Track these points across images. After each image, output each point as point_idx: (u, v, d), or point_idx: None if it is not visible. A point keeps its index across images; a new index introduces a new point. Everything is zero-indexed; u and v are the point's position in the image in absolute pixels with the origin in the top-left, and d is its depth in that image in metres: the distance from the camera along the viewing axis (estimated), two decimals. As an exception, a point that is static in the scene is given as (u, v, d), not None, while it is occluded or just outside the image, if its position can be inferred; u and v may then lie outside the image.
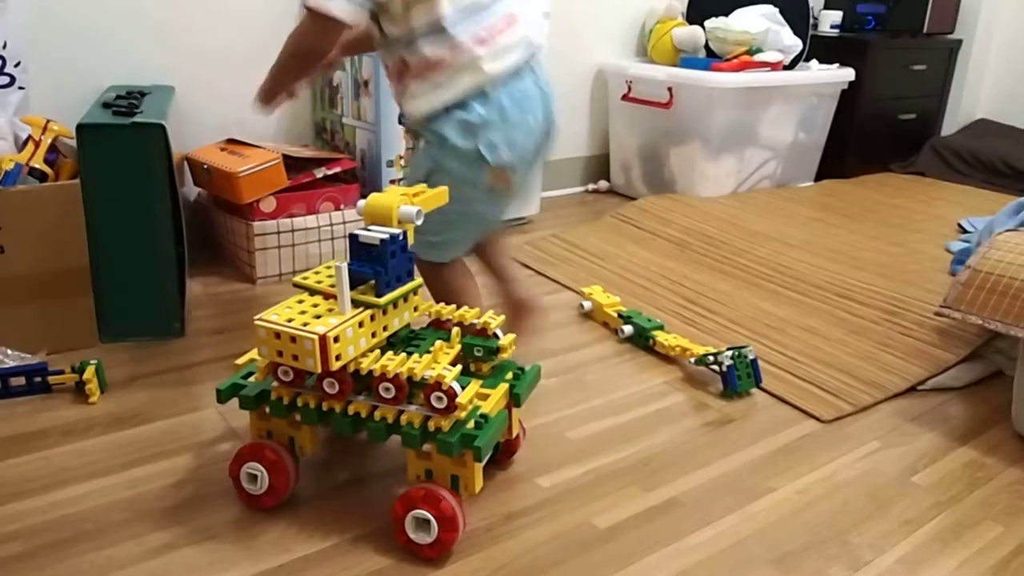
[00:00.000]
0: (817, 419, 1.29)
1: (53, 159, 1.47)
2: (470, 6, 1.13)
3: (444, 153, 1.15)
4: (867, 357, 1.48)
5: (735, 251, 2.00)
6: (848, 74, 2.68)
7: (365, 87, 1.89)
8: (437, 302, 1.18)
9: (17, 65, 1.50)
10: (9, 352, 1.31)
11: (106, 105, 1.45)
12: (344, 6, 1.07)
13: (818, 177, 2.83)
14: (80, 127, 1.34)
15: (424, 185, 1.06)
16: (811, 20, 2.68)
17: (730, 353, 1.34)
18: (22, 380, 1.25)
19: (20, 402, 1.24)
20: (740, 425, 1.27)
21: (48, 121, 1.48)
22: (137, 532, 0.96)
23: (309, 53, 1.18)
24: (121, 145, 1.36)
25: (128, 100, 1.48)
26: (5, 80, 1.50)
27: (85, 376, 1.25)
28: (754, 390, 1.36)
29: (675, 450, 1.19)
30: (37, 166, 1.40)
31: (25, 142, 1.45)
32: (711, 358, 1.36)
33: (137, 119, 1.37)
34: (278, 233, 1.74)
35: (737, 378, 1.33)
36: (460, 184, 1.13)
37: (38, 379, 1.26)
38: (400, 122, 1.36)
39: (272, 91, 1.23)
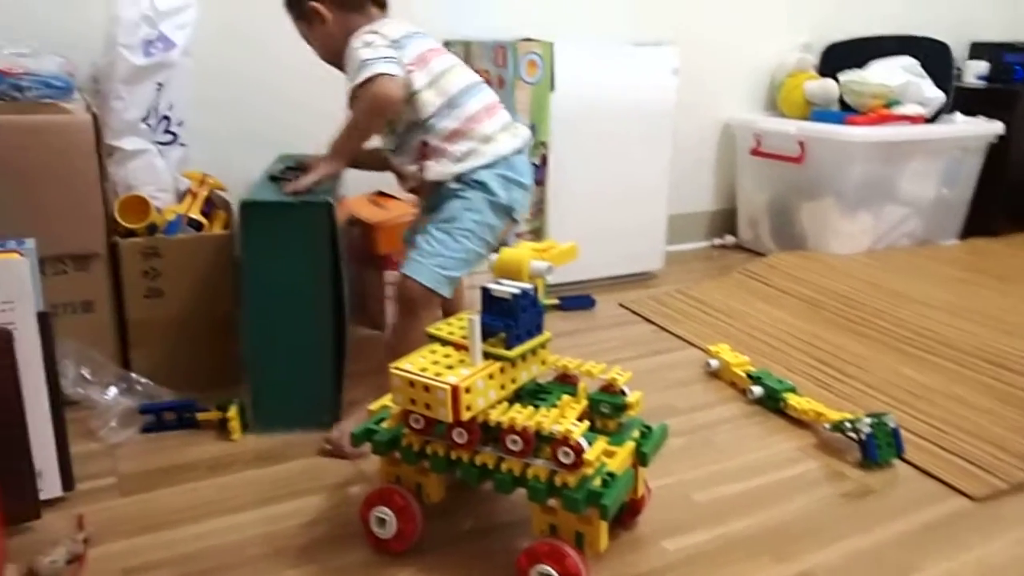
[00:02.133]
0: (967, 496, 1.20)
1: (208, 210, 1.58)
2: (468, 87, 1.36)
3: (485, 199, 1.32)
4: (1020, 430, 1.37)
5: (873, 312, 1.91)
6: (996, 127, 2.54)
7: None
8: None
9: (180, 124, 1.63)
10: (162, 389, 1.40)
11: (273, 178, 1.42)
12: (395, 68, 1.29)
13: (964, 235, 2.67)
14: (244, 204, 1.28)
15: (552, 241, 1.08)
16: (954, 71, 2.57)
17: (869, 420, 1.27)
18: (173, 415, 1.34)
19: (170, 436, 1.32)
20: (880, 497, 1.20)
21: (205, 175, 1.60)
22: (273, 568, 1.00)
23: (382, 110, 1.31)
24: (285, 223, 1.29)
25: (297, 172, 1.40)
26: (169, 138, 1.62)
27: (228, 414, 1.32)
28: (895, 461, 1.28)
29: (809, 520, 1.13)
30: (194, 217, 1.51)
31: (184, 195, 1.57)
32: (848, 425, 1.30)
33: (304, 197, 1.29)
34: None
35: (877, 447, 1.26)
36: (486, 229, 1.33)
37: (187, 415, 1.34)
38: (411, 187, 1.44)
39: (348, 154, 1.38)
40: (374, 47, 1.32)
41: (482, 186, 1.31)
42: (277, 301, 1.31)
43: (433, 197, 1.37)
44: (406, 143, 1.37)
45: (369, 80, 1.29)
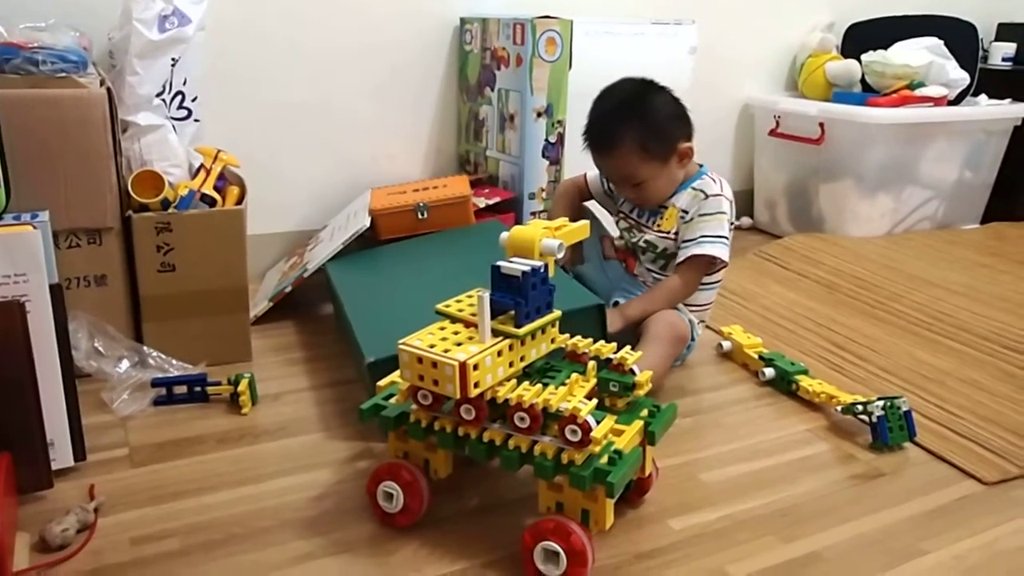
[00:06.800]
0: (978, 480, 1.19)
1: (221, 186, 1.58)
2: None
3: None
4: (1038, 416, 1.36)
5: (889, 295, 1.89)
6: (1021, 110, 2.49)
7: (511, 121, 1.94)
8: None
9: (194, 100, 1.62)
10: (174, 362, 1.41)
11: None
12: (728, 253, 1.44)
13: (985, 219, 2.64)
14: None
15: (565, 219, 1.07)
16: (981, 52, 2.52)
17: (881, 403, 1.26)
18: (184, 389, 1.35)
19: (181, 409, 1.33)
20: (890, 480, 1.19)
21: (218, 151, 1.60)
22: (281, 539, 1.01)
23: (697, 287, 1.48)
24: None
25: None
26: (183, 113, 1.62)
27: (239, 388, 1.32)
28: (907, 444, 1.27)
29: (818, 501, 1.12)
30: (207, 192, 1.51)
31: (198, 170, 1.57)
32: (860, 407, 1.29)
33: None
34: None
35: (888, 430, 1.25)
36: None
37: (198, 389, 1.35)
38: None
39: (628, 317, 1.42)
40: (731, 222, 1.45)
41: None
42: None
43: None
44: (660, 270, 1.52)
45: (712, 258, 1.41)
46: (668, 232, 1.48)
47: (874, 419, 1.26)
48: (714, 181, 1.46)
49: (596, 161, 1.48)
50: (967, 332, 1.69)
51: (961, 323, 1.74)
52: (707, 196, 1.44)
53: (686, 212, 1.45)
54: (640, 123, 1.39)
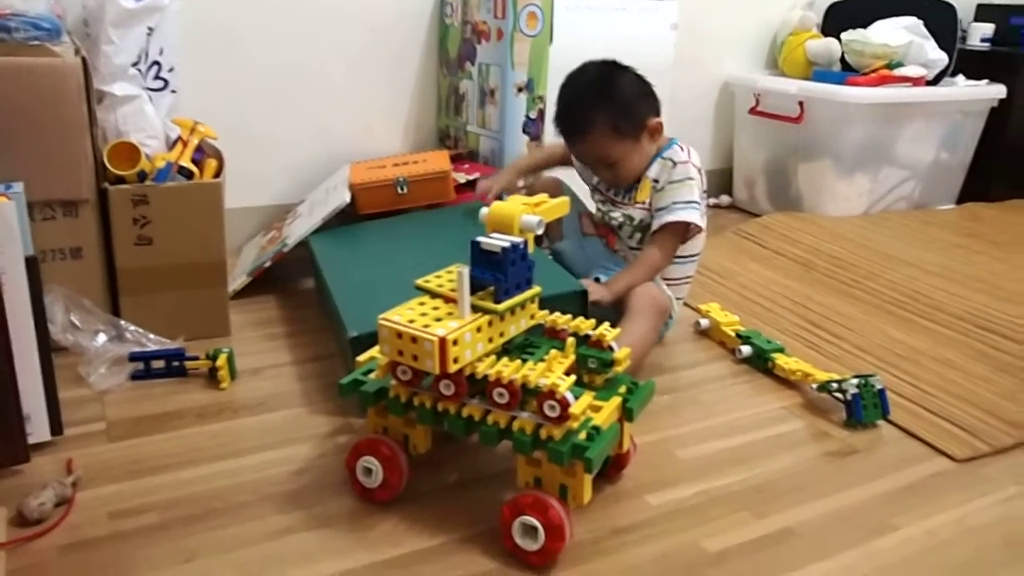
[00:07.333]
0: (950, 457, 1.21)
1: (198, 158, 1.56)
2: None
3: None
4: (1009, 396, 1.38)
5: (865, 274, 1.91)
6: (998, 91, 2.51)
7: (491, 96, 1.93)
8: None
9: (171, 70, 1.59)
10: (151, 336, 1.40)
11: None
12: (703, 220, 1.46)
13: (961, 200, 2.67)
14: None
15: (544, 195, 1.08)
16: (959, 33, 2.53)
17: (856, 381, 1.28)
18: (162, 363, 1.34)
19: (159, 383, 1.32)
20: (864, 457, 1.21)
21: (196, 123, 1.57)
22: (260, 514, 1.01)
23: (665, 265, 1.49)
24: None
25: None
26: (160, 84, 1.59)
27: (218, 363, 1.32)
28: (880, 422, 1.29)
29: (792, 478, 1.14)
30: (185, 164, 1.49)
31: (175, 142, 1.55)
32: (835, 385, 1.30)
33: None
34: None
35: (863, 408, 1.27)
36: None
37: (176, 363, 1.34)
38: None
39: (626, 291, 1.42)
40: (701, 189, 1.46)
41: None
42: None
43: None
44: (640, 243, 1.52)
45: (686, 224, 1.43)
46: (644, 203, 1.49)
47: (848, 397, 1.28)
48: (682, 149, 1.48)
49: (570, 147, 1.50)
50: (941, 312, 1.72)
51: (936, 303, 1.76)
52: (675, 164, 1.46)
53: (657, 181, 1.47)
54: (609, 104, 1.40)
